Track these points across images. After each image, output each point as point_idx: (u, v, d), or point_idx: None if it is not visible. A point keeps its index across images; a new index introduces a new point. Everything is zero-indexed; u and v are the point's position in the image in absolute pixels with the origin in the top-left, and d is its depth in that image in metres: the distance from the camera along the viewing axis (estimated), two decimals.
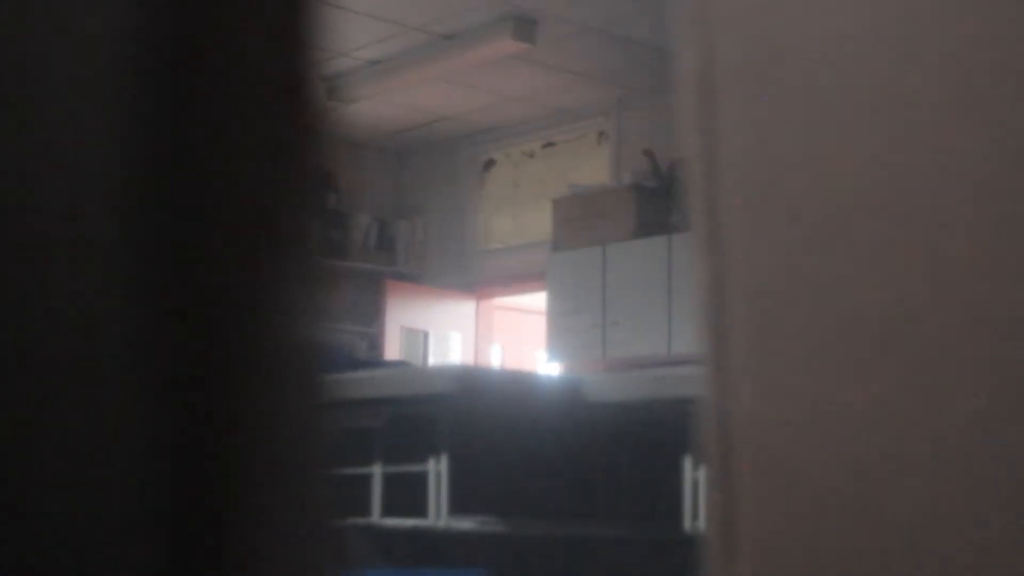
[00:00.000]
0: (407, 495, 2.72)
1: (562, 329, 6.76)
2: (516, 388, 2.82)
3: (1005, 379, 0.66)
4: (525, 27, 6.26)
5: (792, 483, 0.74)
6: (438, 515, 2.67)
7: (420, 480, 2.70)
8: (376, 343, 7.90)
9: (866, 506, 0.70)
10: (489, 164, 8.06)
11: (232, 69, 0.45)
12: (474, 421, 2.74)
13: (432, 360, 7.95)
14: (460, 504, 2.68)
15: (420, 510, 2.70)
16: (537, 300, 7.49)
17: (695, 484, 2.55)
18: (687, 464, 2.61)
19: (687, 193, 0.79)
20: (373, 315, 7.91)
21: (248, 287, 0.45)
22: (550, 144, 7.67)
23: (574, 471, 2.83)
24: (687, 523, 2.61)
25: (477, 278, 8.03)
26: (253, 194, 0.45)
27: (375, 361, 6.28)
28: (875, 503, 0.69)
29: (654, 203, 6.53)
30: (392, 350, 7.83)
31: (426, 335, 8.03)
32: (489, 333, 8.25)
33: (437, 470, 2.67)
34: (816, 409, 0.73)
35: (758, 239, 0.76)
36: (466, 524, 2.69)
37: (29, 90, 0.41)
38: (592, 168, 7.36)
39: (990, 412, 0.66)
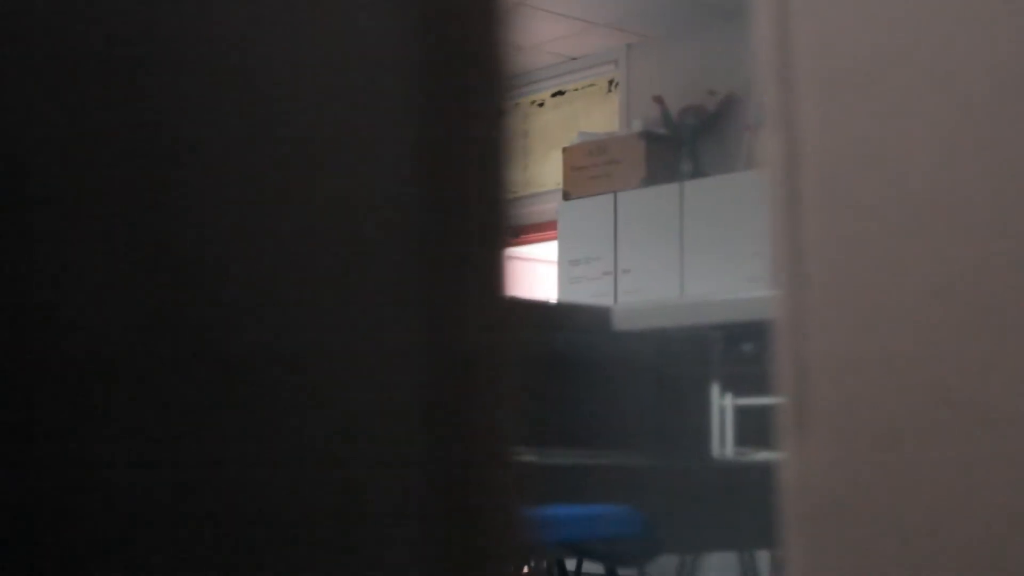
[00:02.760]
0: None
1: (574, 278, 6.78)
2: (542, 317, 2.85)
3: None
4: None
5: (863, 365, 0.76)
6: None
7: None
8: None
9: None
10: None
11: (468, 70, 0.49)
12: None
13: None
14: None
15: None
16: (548, 251, 7.49)
17: (722, 412, 2.58)
18: (714, 391, 2.64)
19: (761, 69, 0.81)
20: None
21: (486, 270, 0.48)
22: (560, 93, 7.66)
23: (601, 400, 2.86)
24: (715, 450, 2.64)
25: None
26: (482, 182, 0.49)
27: None
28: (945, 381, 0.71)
29: (665, 150, 6.53)
30: None
31: None
32: None
33: None
34: (891, 292, 0.75)
35: (831, 114, 0.78)
36: None
37: (316, 84, 0.44)
38: (602, 116, 7.35)
39: None
